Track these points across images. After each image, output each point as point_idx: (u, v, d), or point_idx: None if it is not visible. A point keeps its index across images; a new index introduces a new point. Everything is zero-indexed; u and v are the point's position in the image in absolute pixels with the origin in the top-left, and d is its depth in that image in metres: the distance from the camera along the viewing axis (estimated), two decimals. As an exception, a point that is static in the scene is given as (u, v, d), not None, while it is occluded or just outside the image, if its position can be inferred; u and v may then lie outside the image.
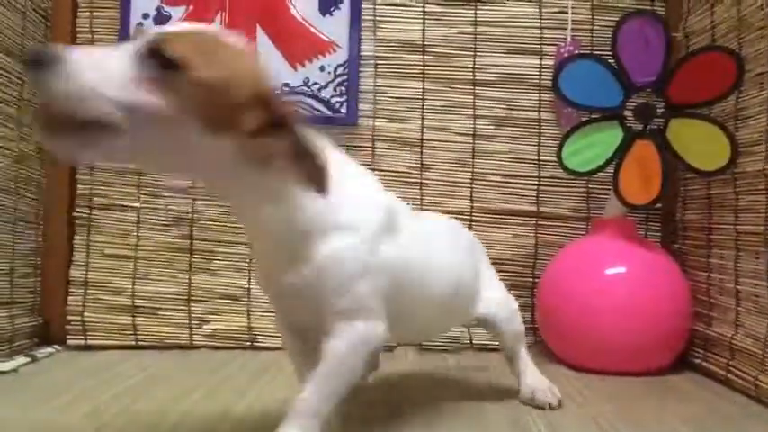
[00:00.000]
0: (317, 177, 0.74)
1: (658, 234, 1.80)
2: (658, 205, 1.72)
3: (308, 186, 0.75)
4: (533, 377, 1.26)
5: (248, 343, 1.74)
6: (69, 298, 1.74)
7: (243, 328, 1.75)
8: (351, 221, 0.84)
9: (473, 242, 1.30)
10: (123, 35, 1.72)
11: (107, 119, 0.65)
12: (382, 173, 1.78)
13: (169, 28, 0.73)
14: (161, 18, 1.73)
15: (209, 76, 0.69)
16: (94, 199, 1.76)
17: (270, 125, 0.73)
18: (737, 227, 1.46)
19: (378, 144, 1.79)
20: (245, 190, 0.80)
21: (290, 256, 0.82)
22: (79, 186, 1.76)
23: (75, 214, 1.75)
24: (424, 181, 1.79)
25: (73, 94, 0.63)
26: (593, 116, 1.66)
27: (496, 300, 1.25)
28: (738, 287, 1.45)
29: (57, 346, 1.68)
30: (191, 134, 0.70)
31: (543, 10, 1.80)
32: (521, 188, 1.80)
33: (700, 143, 1.49)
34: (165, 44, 0.68)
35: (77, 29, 1.76)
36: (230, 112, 0.72)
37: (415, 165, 1.80)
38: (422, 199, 1.79)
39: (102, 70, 0.65)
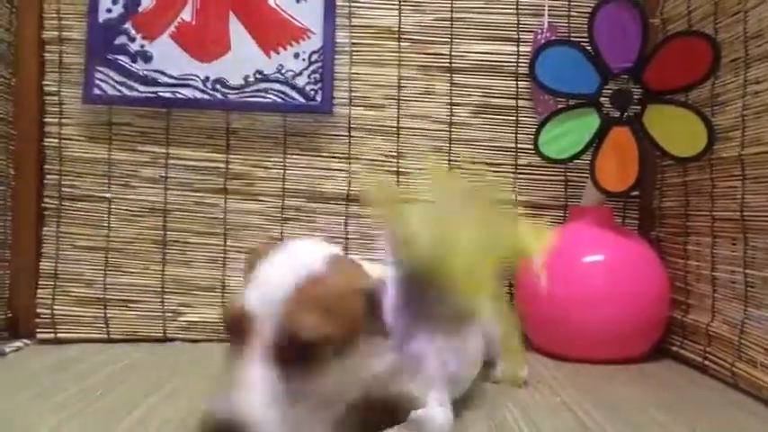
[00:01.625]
0: None
1: (635, 222, 1.80)
2: (635, 193, 1.71)
3: None
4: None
5: (224, 335, 1.71)
6: (39, 291, 1.70)
7: (218, 321, 1.72)
8: None
9: None
10: (92, 21, 1.68)
11: None
12: (359, 161, 1.76)
13: (279, 288, 0.71)
14: (130, 3, 1.68)
15: (340, 339, 0.71)
16: (64, 189, 1.71)
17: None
18: (714, 213, 1.46)
19: (354, 132, 1.77)
20: None
21: None
22: (47, 176, 1.71)
23: (43, 205, 1.71)
24: (400, 169, 1.77)
25: None
26: (569, 103, 1.65)
27: None
28: (715, 274, 1.45)
29: (26, 340, 1.64)
30: (335, 386, 0.73)
31: (520, -4, 1.78)
32: (498, 176, 1.78)
33: (676, 129, 1.49)
34: (297, 336, 0.68)
35: (44, 15, 1.71)
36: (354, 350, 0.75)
37: (391, 153, 1.77)
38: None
39: (261, 415, 0.64)
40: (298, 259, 0.76)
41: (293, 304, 0.69)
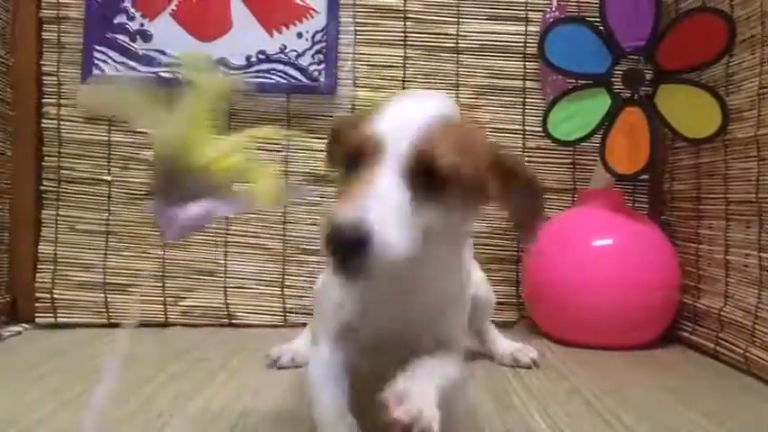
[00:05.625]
0: (532, 226, 0.81)
1: (645, 206, 1.76)
2: (645, 176, 1.68)
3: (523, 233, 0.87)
4: (506, 342, 1.36)
5: (225, 320, 1.69)
6: (38, 275, 1.67)
7: (220, 305, 1.69)
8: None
9: None
10: (90, 7, 1.65)
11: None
12: (363, 144, 1.73)
13: (415, 119, 0.70)
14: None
15: (469, 178, 0.70)
16: (63, 172, 1.68)
17: (507, 186, 0.76)
18: (728, 196, 1.42)
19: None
20: (439, 252, 0.77)
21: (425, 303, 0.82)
22: (46, 159, 1.68)
23: (42, 188, 1.68)
24: (405, 152, 1.73)
25: (381, 268, 0.62)
26: (579, 83, 1.61)
27: (478, 280, 1.25)
28: (728, 258, 1.41)
29: (25, 325, 1.62)
30: (451, 221, 0.72)
31: (528, -26, 1.73)
32: (505, 159, 1.74)
33: (689, 109, 1.45)
34: (434, 161, 0.67)
35: (42, 1, 1.67)
36: (481, 193, 0.75)
37: (396, 135, 1.73)
38: (404, 171, 1.72)
39: (391, 225, 0.63)
40: (432, 102, 0.75)
41: (432, 133, 0.68)
